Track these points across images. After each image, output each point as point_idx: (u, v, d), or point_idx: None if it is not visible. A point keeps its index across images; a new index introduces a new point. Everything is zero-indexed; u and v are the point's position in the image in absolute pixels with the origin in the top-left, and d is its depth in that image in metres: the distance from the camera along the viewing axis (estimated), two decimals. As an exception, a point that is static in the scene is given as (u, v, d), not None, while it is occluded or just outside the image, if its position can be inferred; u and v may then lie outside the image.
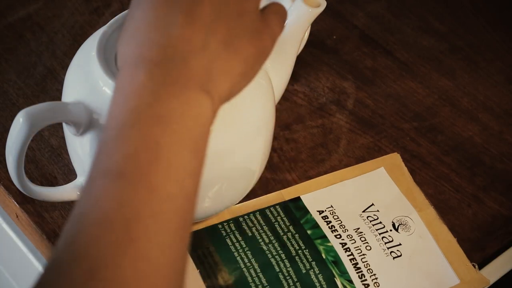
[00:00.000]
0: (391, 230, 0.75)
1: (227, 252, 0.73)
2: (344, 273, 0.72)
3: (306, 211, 0.76)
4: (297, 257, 0.73)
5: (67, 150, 0.73)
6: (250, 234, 0.74)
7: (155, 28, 0.51)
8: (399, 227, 0.76)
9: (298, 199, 0.77)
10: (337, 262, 0.73)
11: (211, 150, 0.66)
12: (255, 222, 0.75)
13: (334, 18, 0.94)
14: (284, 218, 0.75)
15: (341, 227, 0.75)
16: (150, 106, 0.49)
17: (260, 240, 0.74)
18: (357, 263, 0.73)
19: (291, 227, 0.75)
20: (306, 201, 0.77)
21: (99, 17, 0.92)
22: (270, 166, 0.80)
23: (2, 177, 0.77)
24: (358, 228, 0.75)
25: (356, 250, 0.74)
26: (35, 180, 0.77)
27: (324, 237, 0.74)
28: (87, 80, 0.67)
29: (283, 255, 0.73)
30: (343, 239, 0.74)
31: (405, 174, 0.80)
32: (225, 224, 0.75)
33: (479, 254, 0.76)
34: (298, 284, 0.71)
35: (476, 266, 0.74)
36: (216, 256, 0.73)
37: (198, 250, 0.73)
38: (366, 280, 0.72)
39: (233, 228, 0.74)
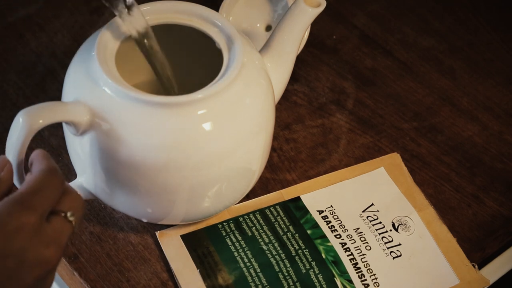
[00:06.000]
0: (391, 230, 0.75)
1: (227, 252, 0.73)
2: (344, 273, 0.72)
3: (306, 211, 0.76)
4: (297, 257, 0.73)
5: (67, 150, 0.73)
6: (250, 234, 0.74)
7: None
8: (399, 227, 0.76)
9: (298, 199, 0.77)
10: (337, 262, 0.73)
11: (211, 150, 0.67)
12: (255, 222, 0.75)
13: (334, 18, 0.94)
14: (284, 218, 0.75)
15: (341, 227, 0.75)
16: None
17: (260, 240, 0.74)
18: (357, 263, 0.73)
19: (291, 227, 0.75)
20: (306, 201, 0.77)
21: (99, 17, 0.92)
22: (270, 166, 0.80)
23: (2, 177, 0.77)
24: (358, 228, 0.75)
25: (356, 250, 0.74)
26: (35, 180, 0.77)
27: (324, 237, 0.74)
28: (87, 80, 0.67)
29: (283, 255, 0.73)
30: (343, 239, 0.74)
31: (405, 174, 0.80)
32: (225, 224, 0.75)
33: (479, 254, 0.76)
34: (298, 284, 0.71)
35: (476, 266, 0.74)
36: (216, 256, 0.73)
37: (198, 250, 0.73)
38: (366, 280, 0.72)
39: (233, 228, 0.74)
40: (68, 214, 0.56)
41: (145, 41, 0.69)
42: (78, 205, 0.57)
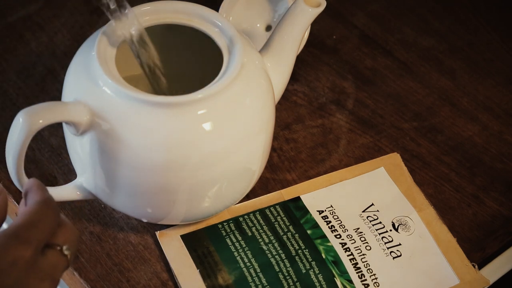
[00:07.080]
0: (391, 230, 0.75)
1: (227, 252, 0.73)
2: (344, 273, 0.72)
3: (306, 211, 0.76)
4: (297, 257, 0.73)
5: (67, 150, 0.73)
6: (250, 234, 0.74)
7: None
8: (399, 227, 0.76)
9: (298, 199, 0.77)
10: (337, 262, 0.73)
11: (211, 150, 0.67)
12: (255, 222, 0.75)
13: (334, 18, 0.94)
14: (284, 218, 0.75)
15: (341, 227, 0.75)
16: None
17: (260, 240, 0.74)
18: (357, 263, 0.73)
19: (291, 227, 0.75)
20: (306, 201, 0.77)
21: (99, 17, 0.92)
22: (270, 166, 0.80)
23: (2, 177, 0.77)
24: (358, 228, 0.75)
25: (356, 250, 0.74)
26: (35, 180, 0.77)
27: (324, 237, 0.74)
28: (87, 80, 0.67)
29: (283, 255, 0.73)
30: (343, 239, 0.74)
31: (405, 174, 0.80)
32: (225, 224, 0.75)
33: (479, 254, 0.76)
34: (298, 284, 0.71)
35: (476, 266, 0.74)
36: (216, 256, 0.73)
37: (198, 250, 0.73)
38: (366, 280, 0.72)
39: (233, 228, 0.74)
40: (64, 247, 0.55)
41: (139, 44, 0.68)
42: (73, 237, 0.56)
